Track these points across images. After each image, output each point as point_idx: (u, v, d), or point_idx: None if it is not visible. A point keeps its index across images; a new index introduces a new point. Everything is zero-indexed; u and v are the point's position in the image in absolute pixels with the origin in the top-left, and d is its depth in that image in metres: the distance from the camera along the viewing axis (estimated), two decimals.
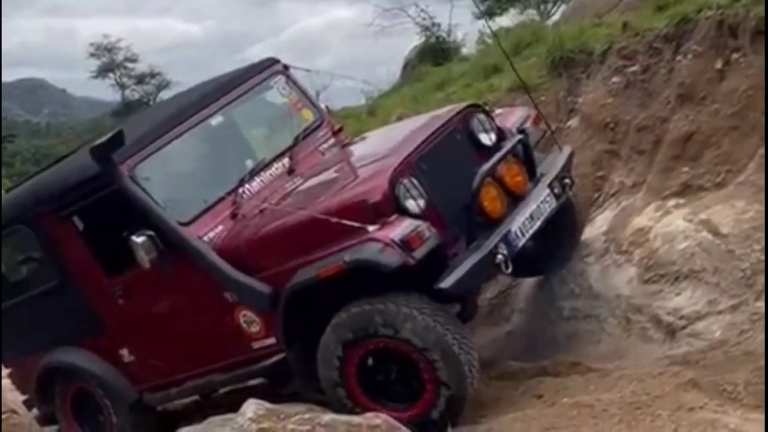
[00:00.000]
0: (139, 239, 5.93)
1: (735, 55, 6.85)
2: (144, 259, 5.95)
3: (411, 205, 5.51)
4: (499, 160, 5.88)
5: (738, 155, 6.60)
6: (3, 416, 7.93)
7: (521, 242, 5.69)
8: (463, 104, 6.55)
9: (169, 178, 6.40)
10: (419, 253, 5.24)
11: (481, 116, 6.22)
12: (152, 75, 53.67)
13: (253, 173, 6.45)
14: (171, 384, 6.67)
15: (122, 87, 53.69)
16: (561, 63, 8.33)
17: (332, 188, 5.95)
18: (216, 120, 6.66)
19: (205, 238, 6.03)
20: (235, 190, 6.31)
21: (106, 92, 54.93)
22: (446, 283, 5.32)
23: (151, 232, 5.97)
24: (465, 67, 11.14)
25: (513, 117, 6.51)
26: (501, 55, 9.81)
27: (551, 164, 6.39)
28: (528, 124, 6.36)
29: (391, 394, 5.52)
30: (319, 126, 6.96)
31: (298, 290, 5.58)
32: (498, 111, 6.73)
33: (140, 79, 53.80)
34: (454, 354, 5.25)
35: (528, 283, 7.29)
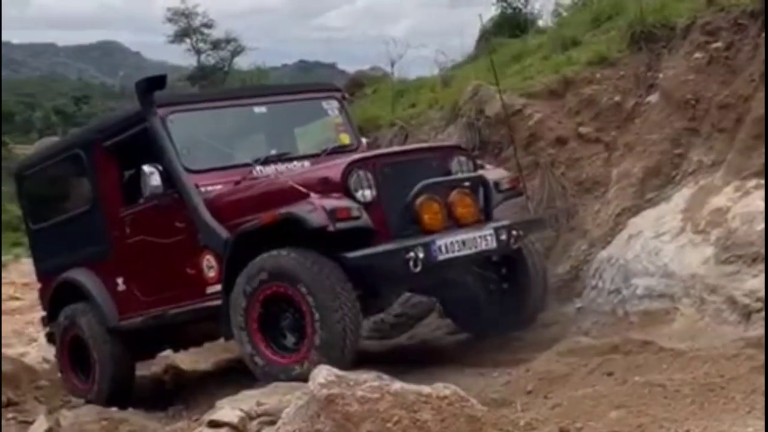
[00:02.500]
0: (148, 169, 6.90)
1: None
2: (147, 187, 6.92)
3: (359, 194, 6.27)
4: (446, 181, 6.55)
5: None
6: None
7: (441, 257, 6.17)
8: (451, 142, 7.85)
9: (195, 134, 7.28)
10: (342, 225, 6.03)
11: (463, 158, 6.85)
12: (228, 41, 53.97)
13: (272, 159, 7.31)
14: (140, 315, 7.45)
15: (198, 52, 54.10)
16: (642, 37, 8.19)
17: (309, 170, 6.92)
18: (259, 109, 7.59)
19: (203, 189, 6.87)
20: (248, 165, 7.19)
21: (182, 57, 55.41)
22: (352, 254, 6.03)
23: (160, 167, 6.90)
24: (541, 39, 10.99)
25: (493, 172, 7.10)
26: (579, 26, 9.71)
27: (513, 217, 6.87)
28: (504, 181, 6.95)
29: (286, 342, 6.29)
30: (352, 151, 7.64)
31: (242, 235, 6.42)
32: (488, 166, 7.29)
33: (216, 45, 54.11)
34: (329, 303, 5.94)
35: (600, 259, 7.24)
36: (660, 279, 6.60)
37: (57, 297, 8.16)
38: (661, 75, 7.89)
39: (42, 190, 8.76)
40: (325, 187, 6.33)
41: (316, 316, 6.01)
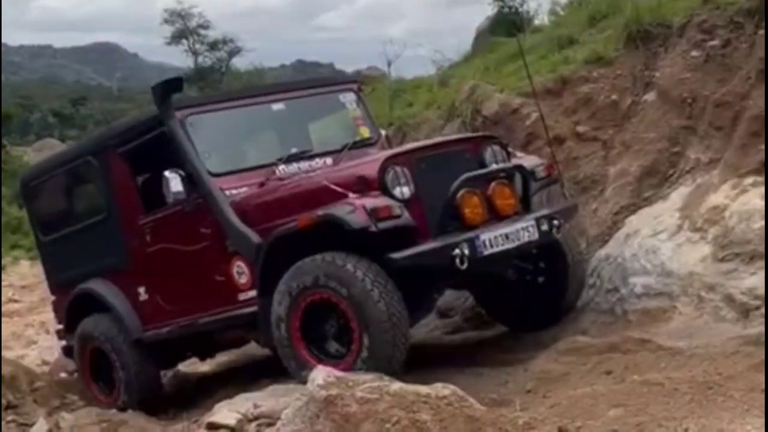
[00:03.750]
0: (170, 175, 6.65)
1: None
2: (169, 193, 6.67)
3: (397, 191, 6.06)
4: (485, 174, 6.36)
5: None
6: (77, 373, 8.12)
7: (487, 252, 6.04)
8: (483, 133, 7.49)
9: (215, 136, 7.08)
10: (384, 224, 5.81)
11: (496, 148, 6.63)
12: (225, 42, 54.01)
13: (294, 158, 7.08)
14: (167, 325, 7.22)
15: (195, 53, 54.12)
16: (638, 36, 8.18)
17: (342, 168, 6.65)
18: (277, 106, 7.37)
19: (227, 193, 6.64)
20: (270, 165, 6.96)
21: (179, 58, 55.46)
22: (398, 254, 5.84)
23: (182, 172, 6.66)
24: (538, 38, 11.00)
25: (528, 160, 6.89)
26: (576, 25, 9.72)
27: (552, 206, 6.78)
28: (540, 169, 6.76)
29: (329, 349, 6.07)
30: (372, 144, 7.53)
31: (278, 238, 6.18)
32: (519, 154, 7.10)
33: (213, 46, 54.16)
34: (378, 311, 5.71)
35: (597, 257, 7.24)
36: (658, 277, 6.60)
37: (74, 309, 7.92)
38: (657, 73, 7.89)
39: (51, 200, 8.46)
40: (360, 185, 6.10)
41: (363, 325, 5.78)
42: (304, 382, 5.75)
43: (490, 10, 17.95)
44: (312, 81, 8.19)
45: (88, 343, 7.76)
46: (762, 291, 5.91)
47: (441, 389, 4.87)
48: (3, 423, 7.38)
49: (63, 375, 8.72)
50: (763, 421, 4.15)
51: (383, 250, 5.87)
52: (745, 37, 7.27)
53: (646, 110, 7.76)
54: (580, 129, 8.05)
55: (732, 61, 7.30)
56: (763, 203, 6.28)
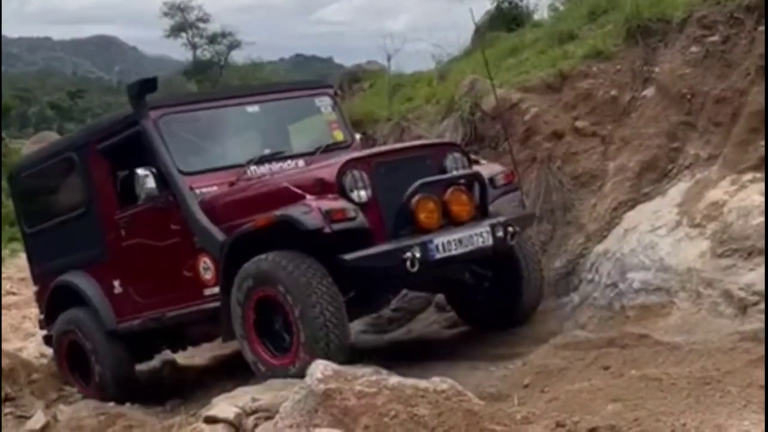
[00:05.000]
0: (142, 172, 6.91)
1: None
2: (141, 190, 6.92)
3: (354, 194, 6.24)
4: (441, 180, 6.50)
5: None
6: None
7: (439, 255, 6.20)
8: (443, 140, 7.89)
9: (187, 136, 7.26)
10: (338, 226, 6.00)
11: (457, 155, 6.80)
12: (224, 35, 53.93)
13: (266, 159, 7.30)
14: (139, 317, 7.44)
15: (194, 47, 54.06)
16: (638, 31, 8.17)
17: (304, 171, 6.87)
18: (252, 108, 7.58)
19: (197, 191, 6.87)
20: (242, 166, 7.17)
21: (178, 51, 55.41)
22: (349, 255, 6.01)
23: (154, 170, 6.90)
24: (538, 33, 10.98)
25: (488, 168, 7.03)
26: (576, 20, 9.70)
27: (508, 213, 6.85)
28: (499, 177, 6.89)
29: (282, 343, 6.28)
30: (346, 147, 7.70)
31: (239, 237, 6.42)
32: (482, 162, 7.27)
33: (212, 39, 54.07)
34: (308, 303, 5.95)
35: (596, 253, 7.25)
36: (656, 273, 6.61)
37: (54, 300, 8.15)
38: (657, 69, 7.88)
39: (36, 192, 8.72)
40: (320, 187, 6.30)
41: (296, 313, 6.04)
42: (263, 376, 6.25)
43: (489, 4, 17.88)
44: (288, 84, 8.59)
45: (66, 336, 7.97)
46: (760, 287, 5.92)
47: (439, 383, 4.87)
48: (1, 415, 7.39)
49: None
50: (760, 416, 4.16)
51: (338, 252, 6.06)
52: (744, 33, 7.26)
53: (646, 106, 7.76)
54: (579, 124, 8.05)
55: (731, 57, 7.30)
56: (761, 199, 6.29)
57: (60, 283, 8.02)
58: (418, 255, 6.09)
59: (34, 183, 8.60)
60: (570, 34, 9.28)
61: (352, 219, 6.09)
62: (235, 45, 53.76)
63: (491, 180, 6.79)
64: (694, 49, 7.57)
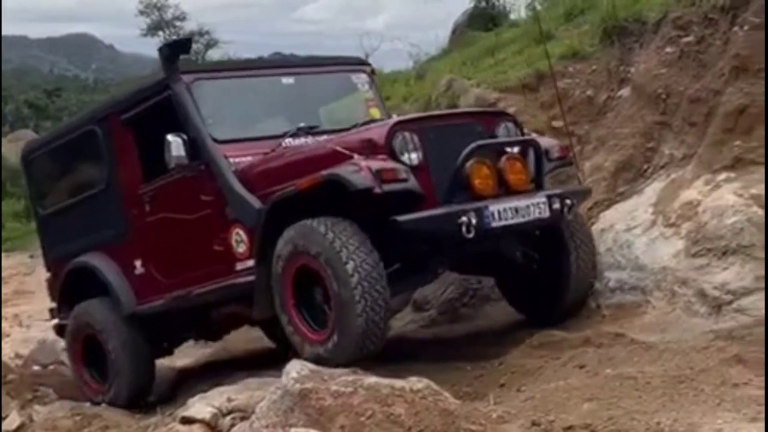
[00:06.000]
0: (172, 138, 6.45)
1: None
2: (171, 158, 6.46)
3: (405, 156, 5.83)
4: (497, 144, 6.15)
5: None
6: (50, 366, 8.09)
7: (494, 224, 5.81)
8: (498, 109, 7.31)
9: (221, 104, 6.90)
10: (390, 186, 5.58)
11: (510, 125, 6.44)
12: (201, 34, 53.60)
13: (302, 132, 6.86)
14: (160, 298, 6.97)
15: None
16: (614, 31, 8.23)
17: (351, 133, 6.40)
18: (287, 80, 7.19)
19: (231, 161, 6.44)
20: (277, 137, 6.76)
21: (155, 50, 55.14)
22: (402, 217, 5.58)
23: (185, 137, 6.46)
24: (515, 32, 11.03)
25: (543, 140, 6.63)
26: (553, 21, 9.76)
27: (564, 187, 6.59)
28: (554, 149, 6.55)
29: (317, 316, 5.85)
30: None
31: (278, 203, 5.95)
32: (533, 135, 6.88)
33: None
34: (348, 287, 5.48)
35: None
36: (631, 272, 6.64)
37: (68, 284, 7.72)
38: (632, 69, 7.93)
39: (52, 172, 8.23)
40: (369, 149, 5.85)
41: (334, 287, 5.58)
42: (303, 354, 5.75)
43: (467, 3, 17.93)
44: (325, 58, 7.95)
45: (82, 329, 7.52)
46: (734, 286, 5.96)
47: (415, 383, 4.88)
48: None
49: (36, 368, 8.65)
50: (733, 414, 4.19)
51: (387, 216, 5.64)
52: (719, 33, 7.31)
53: (621, 106, 7.80)
54: (556, 124, 8.08)
55: (706, 58, 7.34)
56: (735, 198, 6.32)
57: (75, 266, 7.59)
58: (474, 220, 5.69)
59: (50, 162, 8.15)
60: (547, 34, 9.32)
61: (404, 180, 5.69)
62: (212, 44, 53.54)
63: (546, 151, 6.42)
64: (669, 49, 7.61)
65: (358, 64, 7.80)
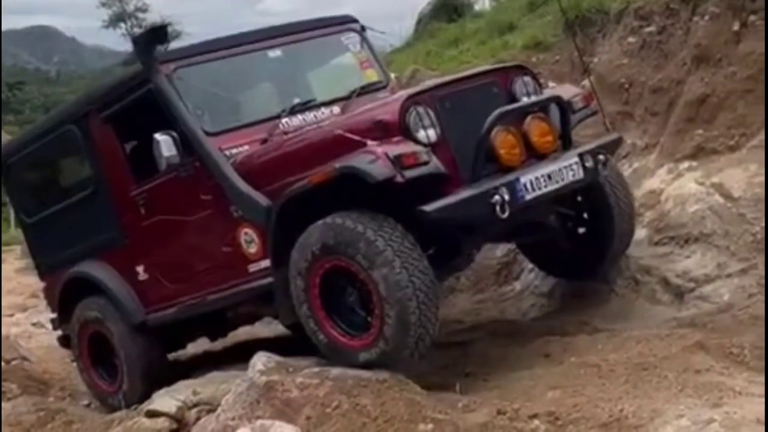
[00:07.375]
0: (160, 137, 5.90)
1: (752, 18, 6.79)
2: (162, 158, 5.92)
3: (421, 134, 5.28)
4: (520, 107, 5.59)
5: (752, 119, 6.58)
6: (13, 362, 8.00)
7: (529, 196, 5.32)
8: (511, 63, 6.53)
9: (208, 90, 6.31)
10: (411, 173, 5.03)
11: (527, 79, 5.89)
12: (164, 25, 53.34)
13: (297, 109, 6.34)
14: (172, 305, 6.54)
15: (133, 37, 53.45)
16: (576, 22, 8.27)
17: (355, 114, 5.84)
18: (274, 53, 6.59)
19: (227, 153, 5.92)
20: (272, 119, 6.21)
21: (117, 41, 54.80)
22: (430, 206, 5.06)
23: (174, 134, 5.93)
24: (479, 23, 11.05)
25: (563, 90, 6.15)
26: (515, 11, 9.79)
27: (593, 141, 6.11)
28: (577, 99, 6.03)
29: (352, 319, 5.32)
30: (381, 88, 6.75)
31: (291, 199, 5.44)
32: (551, 85, 6.54)
33: None
34: (399, 287, 4.97)
35: None
36: None
37: (67, 295, 7.21)
38: (595, 59, 7.98)
39: (33, 177, 7.70)
40: (379, 131, 5.29)
41: (383, 294, 5.02)
42: (327, 352, 5.29)
43: None
44: (309, 22, 7.07)
45: (86, 329, 7.09)
46: (695, 274, 6.02)
47: (381, 373, 4.90)
48: None
49: None
50: (695, 400, 4.24)
51: (411, 204, 5.13)
52: (680, 23, 7.37)
53: None
54: None
55: (668, 48, 7.41)
56: (697, 187, 6.38)
57: (73, 276, 7.09)
58: (507, 197, 5.16)
59: (27, 166, 7.56)
60: (510, 25, 9.37)
61: (426, 163, 5.12)
62: (174, 36, 53.20)
63: (569, 104, 5.88)
64: (631, 39, 7.67)
65: (346, 22, 7.02)
